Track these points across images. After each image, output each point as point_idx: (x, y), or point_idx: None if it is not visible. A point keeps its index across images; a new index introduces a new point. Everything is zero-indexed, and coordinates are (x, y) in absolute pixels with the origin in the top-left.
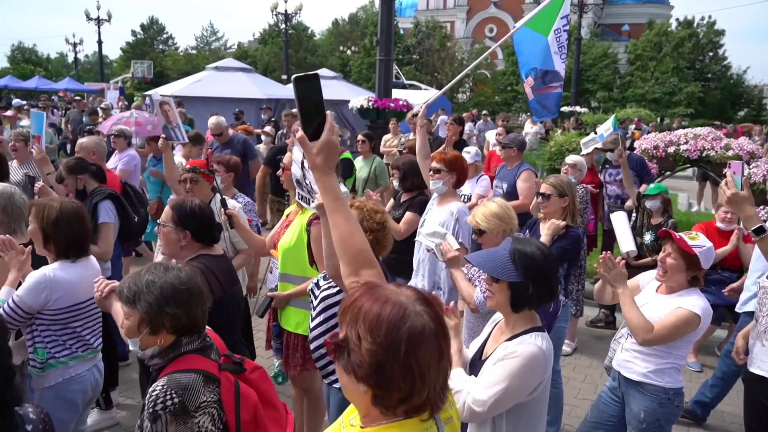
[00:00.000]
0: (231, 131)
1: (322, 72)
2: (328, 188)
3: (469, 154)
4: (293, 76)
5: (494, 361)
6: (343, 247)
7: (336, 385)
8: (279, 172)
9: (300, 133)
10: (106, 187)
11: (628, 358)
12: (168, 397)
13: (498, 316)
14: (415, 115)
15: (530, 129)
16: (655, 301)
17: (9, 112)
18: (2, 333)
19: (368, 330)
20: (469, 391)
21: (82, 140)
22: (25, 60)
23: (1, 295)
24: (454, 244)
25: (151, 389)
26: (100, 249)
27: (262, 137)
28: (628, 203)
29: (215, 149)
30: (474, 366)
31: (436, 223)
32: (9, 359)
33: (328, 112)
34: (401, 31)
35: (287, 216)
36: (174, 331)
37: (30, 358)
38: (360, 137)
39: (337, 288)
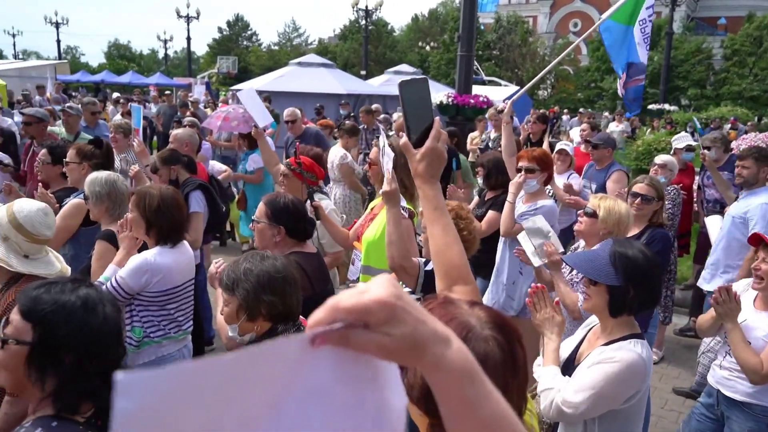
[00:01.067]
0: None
1: (401, 68)
2: (428, 197)
3: (568, 146)
4: (399, 81)
5: (589, 364)
6: (437, 258)
7: None
8: (365, 167)
9: (404, 138)
10: (197, 177)
11: (730, 377)
12: None
13: (592, 319)
14: (500, 111)
15: (615, 128)
16: (755, 318)
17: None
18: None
19: None
20: (560, 389)
21: (177, 132)
22: (120, 56)
23: (107, 273)
24: (559, 245)
25: None
26: (191, 237)
27: None
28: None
29: (291, 143)
30: (565, 369)
31: (540, 220)
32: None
33: (436, 118)
34: (482, 27)
35: (371, 209)
36: (270, 319)
37: (127, 335)
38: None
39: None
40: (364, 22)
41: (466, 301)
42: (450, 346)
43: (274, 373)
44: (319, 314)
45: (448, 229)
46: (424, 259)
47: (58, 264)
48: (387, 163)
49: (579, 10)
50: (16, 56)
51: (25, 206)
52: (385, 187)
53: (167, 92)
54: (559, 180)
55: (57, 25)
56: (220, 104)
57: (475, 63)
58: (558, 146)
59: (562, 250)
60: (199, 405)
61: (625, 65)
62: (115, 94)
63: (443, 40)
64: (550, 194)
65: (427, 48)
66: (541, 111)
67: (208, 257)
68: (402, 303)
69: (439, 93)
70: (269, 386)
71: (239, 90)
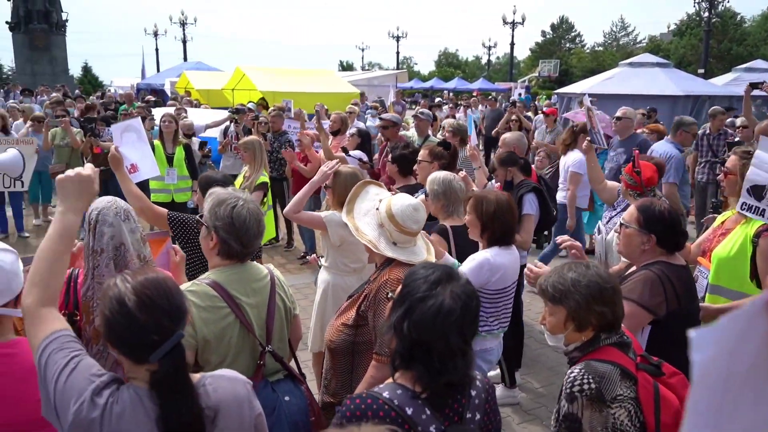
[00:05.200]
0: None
1: (753, 64)
2: None
3: None
4: None
5: None
6: None
7: None
8: (720, 177)
9: None
10: (531, 180)
11: None
12: (585, 381)
13: None
14: None
15: None
16: None
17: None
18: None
19: None
20: None
21: (506, 135)
22: (448, 64)
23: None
24: None
25: (569, 371)
26: (522, 238)
27: None
28: None
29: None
30: None
31: None
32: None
33: None
34: None
35: (722, 223)
36: (597, 328)
37: None
38: None
39: None
40: (707, 14)
41: None
42: None
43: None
44: None
45: None
46: None
47: (425, 253)
48: None
49: None
50: (363, 68)
51: (401, 201)
52: None
53: (490, 97)
54: None
55: (397, 39)
56: (544, 108)
57: None
58: None
59: None
60: (744, 348)
61: None
62: (438, 99)
63: None
64: None
65: None
66: None
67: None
68: None
69: None
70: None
71: (560, 92)
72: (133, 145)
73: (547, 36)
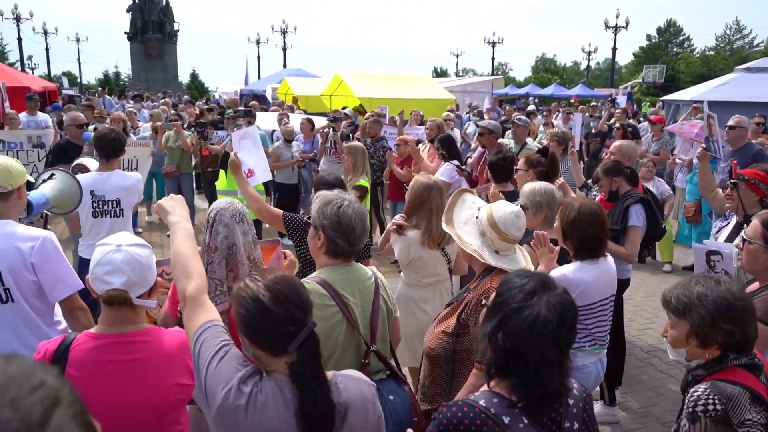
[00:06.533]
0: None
1: None
2: None
3: None
4: None
5: None
6: None
7: None
8: None
9: None
10: (638, 191)
11: None
12: (710, 401)
13: None
14: None
15: None
16: None
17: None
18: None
19: None
20: None
21: (622, 142)
22: (545, 69)
23: None
24: None
25: (692, 390)
26: (627, 251)
27: None
28: None
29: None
30: None
31: None
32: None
33: None
34: None
35: None
36: (723, 347)
37: None
38: None
39: None
40: None
41: None
42: None
43: None
44: None
45: None
46: None
47: (523, 261)
48: None
49: None
50: (457, 74)
51: (502, 208)
52: None
53: (593, 104)
54: None
55: (493, 45)
56: (650, 116)
57: None
58: None
59: None
60: None
61: None
62: (531, 107)
63: None
64: None
65: None
66: None
67: None
68: None
69: None
70: None
71: (667, 99)
72: (249, 151)
73: (653, 40)
